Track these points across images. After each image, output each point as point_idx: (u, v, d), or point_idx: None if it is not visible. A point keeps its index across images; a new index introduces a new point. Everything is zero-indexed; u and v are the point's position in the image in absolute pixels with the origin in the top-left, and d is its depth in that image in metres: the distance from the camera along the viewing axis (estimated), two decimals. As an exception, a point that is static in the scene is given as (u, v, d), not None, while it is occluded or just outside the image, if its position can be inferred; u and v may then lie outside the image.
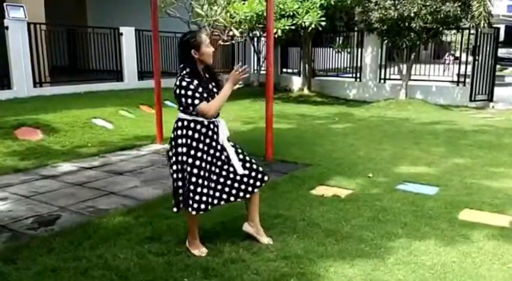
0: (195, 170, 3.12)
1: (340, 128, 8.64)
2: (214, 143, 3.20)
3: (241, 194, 3.32)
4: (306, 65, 14.26)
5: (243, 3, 11.50)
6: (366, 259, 3.19)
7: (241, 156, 3.31)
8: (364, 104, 12.37)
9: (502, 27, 22.30)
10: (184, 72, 3.14)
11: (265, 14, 8.12)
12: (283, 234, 3.59)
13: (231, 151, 3.25)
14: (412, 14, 10.79)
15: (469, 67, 12.11)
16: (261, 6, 10.90)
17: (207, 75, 3.24)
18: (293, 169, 5.56)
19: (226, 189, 3.28)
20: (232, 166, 3.25)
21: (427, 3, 10.73)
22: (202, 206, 3.16)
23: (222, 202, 3.31)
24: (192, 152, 3.13)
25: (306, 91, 14.14)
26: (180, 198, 3.22)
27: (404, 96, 12.36)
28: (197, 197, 3.14)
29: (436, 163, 5.93)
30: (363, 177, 5.21)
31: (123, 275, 2.93)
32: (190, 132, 3.14)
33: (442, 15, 10.78)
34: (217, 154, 3.22)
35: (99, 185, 4.91)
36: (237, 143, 3.39)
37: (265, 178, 3.38)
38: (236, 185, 3.29)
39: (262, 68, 14.83)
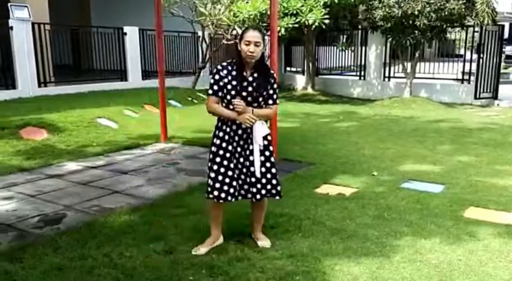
0: (218, 159, 3.17)
1: (344, 127, 8.62)
2: (237, 138, 3.18)
3: (257, 195, 3.28)
4: (310, 64, 14.23)
5: (247, 2, 11.49)
6: (372, 257, 3.18)
7: (266, 163, 3.26)
8: (369, 103, 12.34)
9: (507, 25, 22.18)
10: (229, 61, 3.18)
11: (268, 12, 8.12)
12: (288, 232, 3.58)
13: (256, 154, 3.20)
14: (416, 12, 10.75)
15: (474, 65, 12.06)
16: (264, 5, 10.89)
17: (254, 74, 3.14)
18: (297, 167, 5.56)
19: (245, 186, 3.25)
20: (253, 166, 3.22)
21: (431, 1, 10.70)
22: (223, 194, 3.16)
23: (240, 197, 3.27)
24: (217, 141, 3.19)
25: (309, 90, 14.12)
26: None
27: (409, 94, 12.32)
28: (218, 185, 3.16)
29: (441, 161, 5.91)
30: (367, 175, 5.20)
31: (129, 273, 2.93)
32: (219, 124, 3.22)
33: (446, 13, 10.74)
34: (240, 149, 3.20)
35: (104, 184, 4.93)
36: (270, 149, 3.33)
37: (276, 197, 3.34)
38: (252, 185, 3.25)
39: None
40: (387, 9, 11.14)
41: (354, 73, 14.46)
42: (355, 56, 14.78)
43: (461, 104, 11.95)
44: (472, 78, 12.11)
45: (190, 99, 11.15)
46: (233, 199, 3.21)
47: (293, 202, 4.30)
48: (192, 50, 14.19)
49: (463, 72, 12.43)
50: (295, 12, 11.06)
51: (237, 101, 3.08)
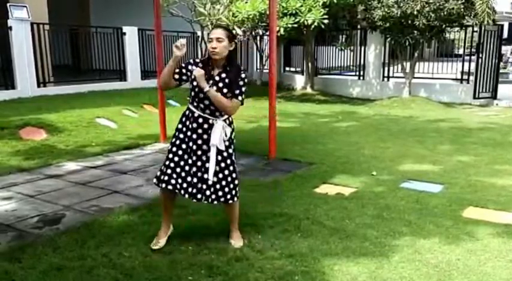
0: (174, 148, 3.22)
1: (343, 127, 8.63)
2: (195, 136, 3.18)
3: (210, 199, 3.24)
4: (309, 64, 14.24)
5: (246, 2, 11.50)
6: (371, 257, 3.18)
7: (224, 170, 3.22)
8: (368, 102, 12.35)
9: (506, 24, 22.21)
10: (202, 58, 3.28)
11: (267, 12, 8.12)
12: (288, 232, 3.58)
13: (212, 157, 3.16)
14: (415, 12, 10.76)
15: (473, 64, 12.07)
16: (263, 5, 10.90)
17: (222, 74, 3.15)
18: (296, 167, 5.56)
19: (199, 184, 3.20)
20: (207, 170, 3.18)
21: (430, 1, 10.70)
22: (172, 181, 3.17)
23: (186, 195, 3.21)
24: (176, 133, 3.25)
25: (309, 90, 14.12)
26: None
27: (408, 94, 12.33)
28: (169, 172, 3.19)
29: (441, 160, 5.91)
30: (366, 175, 5.20)
31: (128, 273, 2.93)
32: (183, 118, 3.25)
33: (445, 13, 10.75)
34: (195, 148, 3.18)
35: (103, 184, 4.92)
36: (234, 154, 3.30)
37: (229, 202, 3.29)
38: (204, 188, 3.21)
39: (265, 67, 14.82)
40: (386, 9, 11.15)
41: (353, 73, 14.46)
42: (354, 56, 14.79)
43: (460, 104, 11.96)
44: (471, 78, 12.11)
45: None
46: (182, 192, 3.20)
47: (292, 201, 4.30)
48: (191, 50, 14.19)
49: (462, 72, 12.44)
50: (294, 12, 11.08)
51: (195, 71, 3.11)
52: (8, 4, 10.02)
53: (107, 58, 12.19)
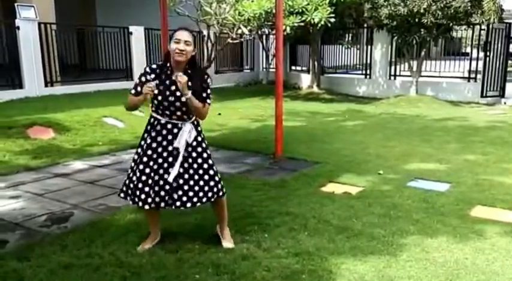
0: (145, 159, 3.13)
1: (350, 126, 8.60)
2: (165, 142, 3.12)
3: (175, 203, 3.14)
4: (315, 62, 14.21)
5: (252, 1, 11.48)
6: (378, 255, 3.18)
7: (198, 167, 3.17)
8: (374, 101, 12.31)
9: (514, 23, 22.01)
10: (159, 63, 3.17)
11: (274, 11, 8.11)
12: (294, 231, 3.58)
13: (179, 159, 3.10)
14: (422, 10, 10.70)
15: (480, 63, 11.99)
16: (269, 4, 10.88)
17: (186, 74, 3.03)
18: (303, 166, 5.55)
19: (162, 192, 3.11)
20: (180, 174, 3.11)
21: (437, -1, 10.65)
22: (149, 200, 3.12)
23: (167, 207, 3.14)
24: (142, 142, 3.20)
25: (315, 88, 14.09)
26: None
27: (415, 92, 12.27)
28: (138, 192, 3.14)
29: (448, 159, 5.88)
30: (373, 174, 5.19)
31: (135, 271, 2.95)
32: (148, 127, 3.20)
33: (452, 11, 10.68)
34: (166, 155, 3.12)
35: (110, 183, 4.94)
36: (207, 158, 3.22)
37: (212, 199, 3.22)
38: (180, 192, 3.12)
39: (271, 66, 14.82)
40: (393, 8, 11.10)
41: (360, 72, 14.42)
42: (360, 54, 14.74)
43: (467, 103, 11.88)
44: (479, 76, 12.04)
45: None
46: (162, 204, 3.12)
47: (298, 200, 4.29)
48: (198, 49, 14.21)
49: (470, 71, 12.37)
50: (300, 10, 11.04)
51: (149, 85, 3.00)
52: (15, 4, 10.08)
53: (113, 57, 12.24)
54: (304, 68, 15.69)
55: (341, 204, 4.19)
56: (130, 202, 3.22)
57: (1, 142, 6.39)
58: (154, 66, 3.15)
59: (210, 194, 3.20)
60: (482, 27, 11.66)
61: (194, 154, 3.18)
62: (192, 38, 3.06)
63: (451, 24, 11.40)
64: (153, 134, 3.15)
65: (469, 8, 10.65)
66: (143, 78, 3.10)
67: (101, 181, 5.03)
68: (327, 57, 15.00)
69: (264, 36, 15.03)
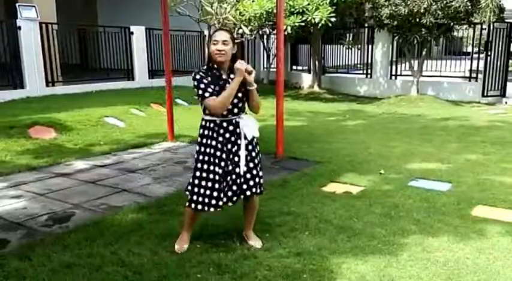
0: (199, 165, 3.17)
1: (351, 125, 8.61)
2: (225, 142, 3.15)
3: (237, 196, 3.22)
4: (316, 62, 14.21)
5: (253, 1, 11.49)
6: (379, 255, 3.18)
7: (250, 163, 3.22)
8: (375, 101, 12.31)
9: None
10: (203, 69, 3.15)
11: (274, 11, 8.11)
12: (295, 231, 3.59)
13: (242, 155, 3.16)
14: (422, 10, 10.70)
15: (481, 62, 11.98)
16: (270, 3, 10.90)
17: (231, 74, 3.12)
18: (304, 166, 5.56)
19: (229, 193, 3.19)
20: (238, 167, 3.17)
21: (437, -1, 10.65)
22: (199, 206, 3.18)
23: (220, 203, 3.19)
24: (202, 148, 3.18)
25: (316, 88, 14.10)
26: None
27: (416, 92, 12.27)
28: (195, 197, 3.18)
29: (449, 159, 5.88)
30: (374, 174, 5.19)
31: (137, 271, 2.95)
32: (206, 132, 3.18)
33: (452, 11, 10.68)
34: (225, 155, 3.15)
35: (112, 183, 4.96)
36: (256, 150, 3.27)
37: (253, 190, 3.23)
38: (235, 187, 3.19)
39: (272, 66, 14.82)
40: (393, 7, 11.11)
41: (361, 71, 14.42)
42: (361, 54, 14.74)
43: (468, 102, 11.88)
44: (480, 76, 12.03)
45: (197, 97, 11.17)
46: (211, 209, 3.18)
47: (300, 200, 4.30)
48: (199, 49, 14.22)
49: (471, 70, 12.37)
50: (301, 10, 11.06)
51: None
52: (16, 4, 10.09)
53: (114, 57, 12.23)
54: (305, 68, 15.71)
55: (342, 204, 4.19)
56: (212, 209, 3.19)
57: (3, 141, 6.40)
58: (203, 70, 3.14)
59: (254, 189, 3.22)
60: (484, 26, 11.66)
61: (250, 147, 3.22)
62: (229, 37, 3.09)
63: (451, 23, 11.41)
64: (214, 135, 3.16)
65: (469, 7, 10.65)
66: (205, 80, 3.09)
67: (103, 181, 5.03)
68: (327, 57, 15.00)
69: (265, 36, 15.03)
